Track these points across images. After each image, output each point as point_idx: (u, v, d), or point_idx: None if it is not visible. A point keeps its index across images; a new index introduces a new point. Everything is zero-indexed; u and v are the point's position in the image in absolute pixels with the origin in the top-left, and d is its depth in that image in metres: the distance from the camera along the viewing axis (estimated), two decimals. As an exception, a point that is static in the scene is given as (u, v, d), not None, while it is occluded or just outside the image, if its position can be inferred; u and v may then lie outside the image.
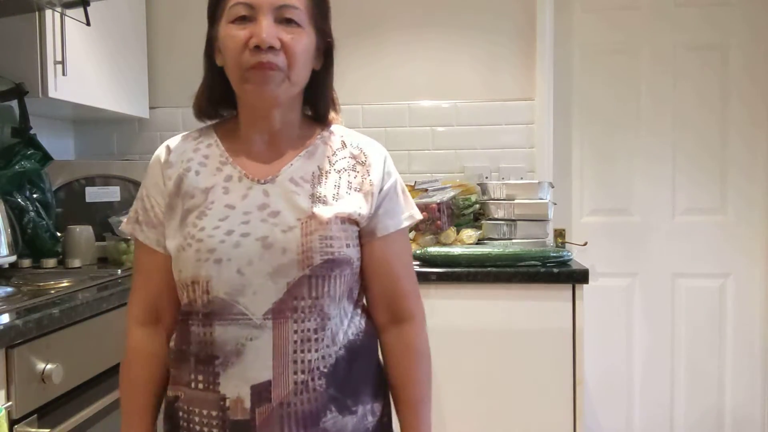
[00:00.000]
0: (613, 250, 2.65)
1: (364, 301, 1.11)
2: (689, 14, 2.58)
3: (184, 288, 1.01)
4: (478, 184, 2.43)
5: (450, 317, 1.95)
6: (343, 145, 1.07)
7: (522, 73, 2.59)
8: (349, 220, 1.01)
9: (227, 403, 0.97)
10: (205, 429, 0.98)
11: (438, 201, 2.32)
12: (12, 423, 1.24)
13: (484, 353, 1.97)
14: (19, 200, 1.96)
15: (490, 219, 2.27)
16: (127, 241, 2.08)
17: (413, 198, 1.39)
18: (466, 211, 2.39)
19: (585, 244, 2.43)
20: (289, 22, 0.97)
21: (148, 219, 1.06)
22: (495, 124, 2.60)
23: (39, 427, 1.31)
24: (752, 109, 2.58)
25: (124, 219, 2.22)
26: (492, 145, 2.60)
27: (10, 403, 1.23)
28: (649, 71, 2.61)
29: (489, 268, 1.97)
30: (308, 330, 0.97)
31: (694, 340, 2.63)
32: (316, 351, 0.98)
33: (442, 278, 1.97)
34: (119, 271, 1.91)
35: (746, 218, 2.60)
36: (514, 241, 2.22)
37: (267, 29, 0.95)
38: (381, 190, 1.05)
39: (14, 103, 1.98)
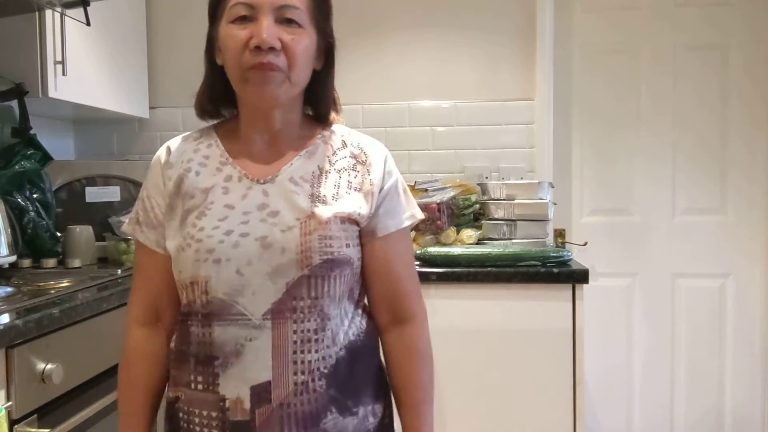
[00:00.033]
0: (613, 250, 2.65)
1: (366, 301, 1.10)
2: (689, 14, 2.58)
3: (183, 288, 1.01)
4: (478, 184, 2.43)
5: (450, 317, 1.95)
6: (344, 144, 1.07)
7: (522, 73, 2.59)
8: (349, 220, 1.01)
9: (227, 404, 0.96)
10: (205, 430, 0.98)
11: (438, 201, 2.32)
12: (12, 423, 1.24)
13: (484, 353, 1.97)
14: (19, 200, 1.96)
15: (490, 219, 2.27)
16: (127, 241, 2.08)
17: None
18: (466, 211, 2.39)
19: (585, 244, 2.43)
20: (289, 22, 0.97)
21: (148, 220, 1.06)
22: (495, 124, 2.60)
23: (39, 427, 1.31)
24: (752, 109, 2.58)
25: (124, 219, 2.23)
26: (492, 145, 2.60)
27: (10, 403, 1.23)
28: (649, 71, 2.61)
29: (489, 268, 1.97)
30: (308, 330, 0.97)
31: (694, 340, 2.63)
32: (317, 351, 0.98)
33: (442, 278, 1.97)
34: (119, 271, 1.91)
35: (746, 218, 2.60)
36: (514, 241, 2.23)
37: (267, 30, 0.95)
38: (381, 189, 1.04)
39: (14, 103, 1.98)
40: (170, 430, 1.05)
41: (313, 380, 0.97)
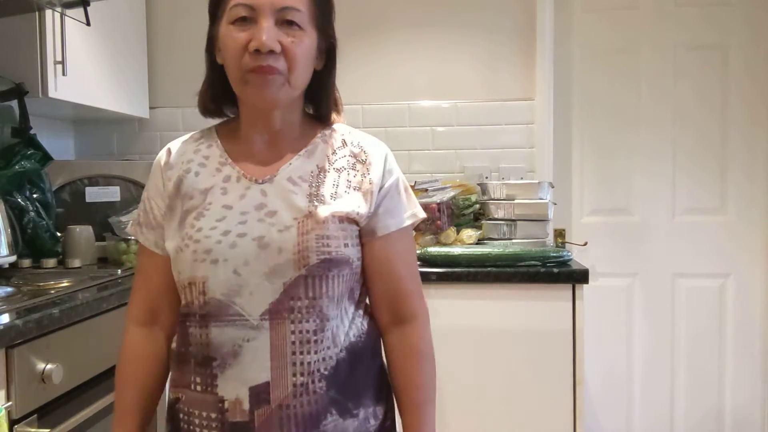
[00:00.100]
0: (613, 250, 2.65)
1: (368, 301, 1.09)
2: (689, 14, 2.58)
3: (182, 289, 1.01)
4: (478, 184, 2.43)
5: (450, 317, 1.95)
6: (344, 143, 1.06)
7: (522, 72, 2.59)
8: (348, 219, 1.00)
9: (226, 405, 0.96)
10: (205, 431, 0.98)
11: (438, 201, 2.32)
12: (12, 423, 1.24)
13: (484, 353, 1.97)
14: (19, 200, 1.96)
15: (490, 219, 2.27)
16: (126, 241, 2.08)
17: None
18: (466, 211, 2.39)
19: (585, 244, 2.43)
20: (290, 24, 0.96)
21: (148, 221, 1.07)
22: (495, 124, 2.60)
23: (39, 427, 1.31)
24: (752, 108, 2.58)
25: (124, 219, 2.23)
26: (492, 145, 2.60)
27: (10, 403, 1.23)
28: (650, 71, 2.60)
29: (489, 268, 1.97)
30: (307, 331, 0.96)
31: (694, 340, 2.63)
32: (316, 353, 0.97)
33: (442, 278, 1.97)
34: (119, 271, 1.91)
35: (746, 218, 2.60)
36: (514, 241, 2.23)
37: (267, 33, 0.94)
38: (381, 188, 1.03)
39: (14, 103, 1.98)
40: (171, 430, 1.05)
41: (313, 382, 0.97)
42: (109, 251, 2.13)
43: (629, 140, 2.62)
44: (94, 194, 2.27)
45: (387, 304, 1.06)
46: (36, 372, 1.31)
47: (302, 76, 1.00)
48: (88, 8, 1.86)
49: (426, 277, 1.94)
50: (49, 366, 1.33)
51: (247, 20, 0.95)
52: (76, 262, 2.03)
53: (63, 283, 1.67)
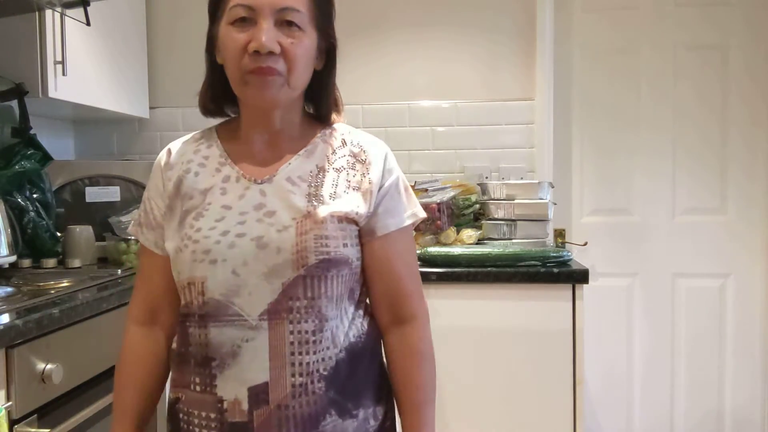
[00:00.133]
0: (613, 250, 2.65)
1: (368, 302, 1.09)
2: (689, 14, 2.58)
3: (182, 289, 1.01)
4: (478, 184, 2.43)
5: (450, 317, 1.95)
6: (344, 143, 1.06)
7: (522, 72, 2.59)
8: (347, 219, 1.00)
9: (225, 405, 0.96)
10: (204, 431, 0.98)
11: (438, 201, 2.32)
12: (12, 423, 1.24)
13: (484, 353, 1.97)
14: (19, 200, 1.96)
15: (490, 219, 2.27)
16: (126, 241, 2.08)
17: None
18: (466, 211, 2.39)
19: (585, 244, 2.43)
20: (290, 24, 0.96)
21: (148, 221, 1.07)
22: (495, 124, 2.60)
23: (39, 427, 1.31)
24: (753, 108, 2.58)
25: (124, 219, 2.23)
26: (492, 145, 2.60)
27: (10, 403, 1.23)
28: (650, 71, 2.60)
29: (489, 268, 1.97)
30: (305, 332, 0.96)
31: (694, 340, 2.63)
32: (315, 353, 0.97)
33: (442, 278, 1.97)
34: (119, 271, 1.90)
35: (746, 218, 2.60)
36: (514, 241, 2.23)
37: (267, 34, 0.94)
38: (381, 188, 1.03)
39: (14, 103, 1.98)
40: (171, 430, 1.05)
41: (312, 382, 0.97)
42: (109, 251, 2.13)
43: (629, 140, 2.62)
44: (94, 194, 2.27)
45: (387, 304, 1.06)
46: (36, 372, 1.31)
47: (302, 77, 1.00)
48: (88, 8, 1.86)
49: (426, 277, 1.94)
50: (49, 366, 1.33)
51: (247, 21, 0.95)
52: (76, 262, 2.03)
53: (63, 283, 1.67)
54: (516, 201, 2.24)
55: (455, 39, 2.61)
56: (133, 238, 2.03)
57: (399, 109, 2.64)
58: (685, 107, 2.60)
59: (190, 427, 1.00)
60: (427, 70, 2.63)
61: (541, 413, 1.95)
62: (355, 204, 1.01)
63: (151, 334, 1.08)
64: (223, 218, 0.98)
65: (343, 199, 1.00)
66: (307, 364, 0.96)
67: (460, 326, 1.97)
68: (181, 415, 1.02)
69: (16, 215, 1.93)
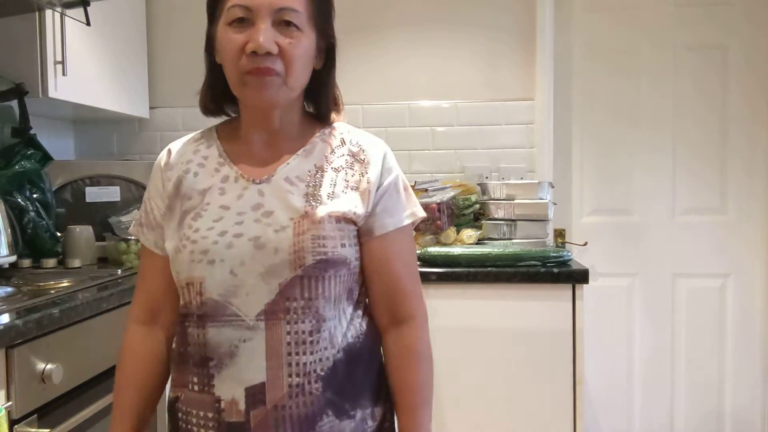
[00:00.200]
0: (613, 250, 2.65)
1: (368, 302, 1.09)
2: (689, 14, 2.58)
3: (181, 289, 1.01)
4: (478, 184, 2.43)
5: (450, 317, 1.95)
6: (343, 142, 1.06)
7: (522, 71, 2.59)
8: (345, 219, 0.99)
9: (222, 405, 0.96)
10: (202, 430, 0.98)
11: (438, 201, 2.32)
12: (12, 423, 1.24)
13: (484, 353, 1.97)
14: (19, 200, 1.96)
15: (490, 219, 2.27)
16: (126, 241, 2.08)
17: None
18: (466, 211, 2.39)
19: (585, 244, 2.43)
20: (288, 24, 0.96)
21: (149, 221, 1.07)
22: (495, 124, 2.60)
23: (39, 427, 1.31)
24: (753, 108, 2.57)
25: (124, 219, 2.23)
26: (492, 145, 2.60)
27: (10, 403, 1.23)
28: (650, 71, 2.60)
29: (489, 268, 1.97)
30: (303, 332, 0.96)
31: (694, 341, 2.63)
32: (312, 354, 0.96)
33: (442, 278, 1.97)
34: (119, 271, 1.90)
35: (747, 218, 2.60)
36: (514, 241, 2.23)
37: (264, 34, 0.93)
38: (379, 187, 1.02)
39: (14, 103, 1.98)
40: (170, 429, 1.05)
41: (309, 383, 0.96)
42: (109, 251, 2.13)
43: (629, 140, 2.62)
44: (94, 194, 2.28)
45: (385, 305, 1.05)
46: (36, 372, 1.32)
47: (300, 77, 1.00)
48: (88, 8, 1.86)
49: (426, 277, 1.94)
50: (49, 366, 1.33)
51: (245, 21, 0.95)
52: (76, 262, 2.03)
53: (63, 283, 1.67)
54: (516, 201, 2.24)
55: (455, 38, 2.61)
56: (133, 238, 2.03)
57: (399, 109, 2.64)
58: (686, 107, 2.60)
59: (189, 427, 1.00)
60: (427, 68, 2.63)
61: (541, 413, 1.95)
62: (353, 204, 1.00)
63: (151, 334, 1.08)
64: (221, 218, 0.98)
65: (341, 199, 1.00)
66: (304, 364, 0.96)
67: (460, 326, 1.97)
68: (179, 415, 1.02)
69: (16, 215, 1.93)
